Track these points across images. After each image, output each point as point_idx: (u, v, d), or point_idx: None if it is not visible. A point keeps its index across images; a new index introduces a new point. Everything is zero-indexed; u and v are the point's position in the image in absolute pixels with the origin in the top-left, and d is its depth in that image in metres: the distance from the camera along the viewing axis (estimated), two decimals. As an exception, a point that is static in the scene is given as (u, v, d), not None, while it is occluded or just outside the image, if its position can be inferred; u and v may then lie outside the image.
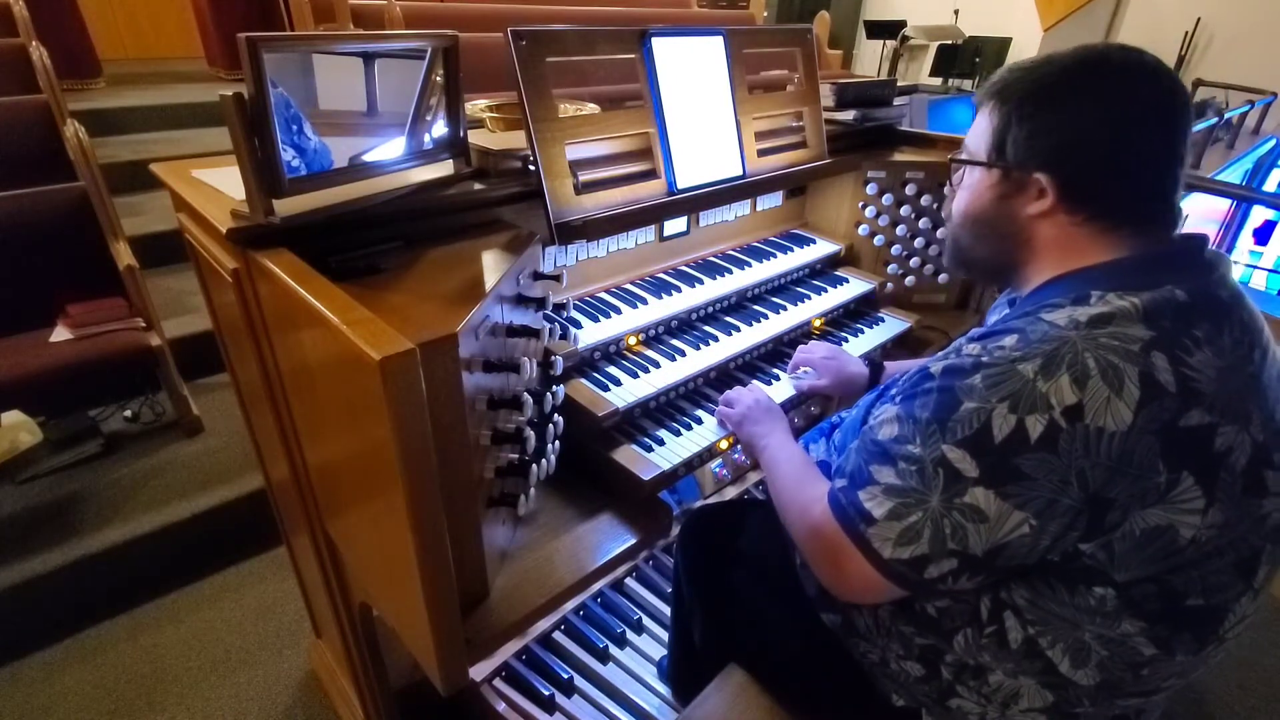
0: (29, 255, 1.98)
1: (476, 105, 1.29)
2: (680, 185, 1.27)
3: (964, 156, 0.86)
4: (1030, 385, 0.65)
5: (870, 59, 9.07)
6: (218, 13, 4.38)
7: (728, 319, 1.43)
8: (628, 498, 1.08)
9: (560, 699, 1.41)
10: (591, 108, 1.22)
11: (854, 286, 1.62)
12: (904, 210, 1.67)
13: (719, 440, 1.16)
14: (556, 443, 1.05)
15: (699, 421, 1.21)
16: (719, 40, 1.32)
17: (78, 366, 1.85)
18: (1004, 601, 0.75)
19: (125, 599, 1.82)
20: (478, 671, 1.44)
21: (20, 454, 2.07)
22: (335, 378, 0.73)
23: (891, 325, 1.59)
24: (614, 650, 1.54)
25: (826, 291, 1.58)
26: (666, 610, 1.59)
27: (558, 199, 1.09)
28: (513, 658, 1.48)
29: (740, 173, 1.38)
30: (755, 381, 1.32)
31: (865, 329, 1.56)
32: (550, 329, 1.03)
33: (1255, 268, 5.23)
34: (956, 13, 8.25)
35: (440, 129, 1.02)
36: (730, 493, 1.86)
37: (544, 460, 0.99)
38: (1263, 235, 5.54)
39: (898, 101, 1.85)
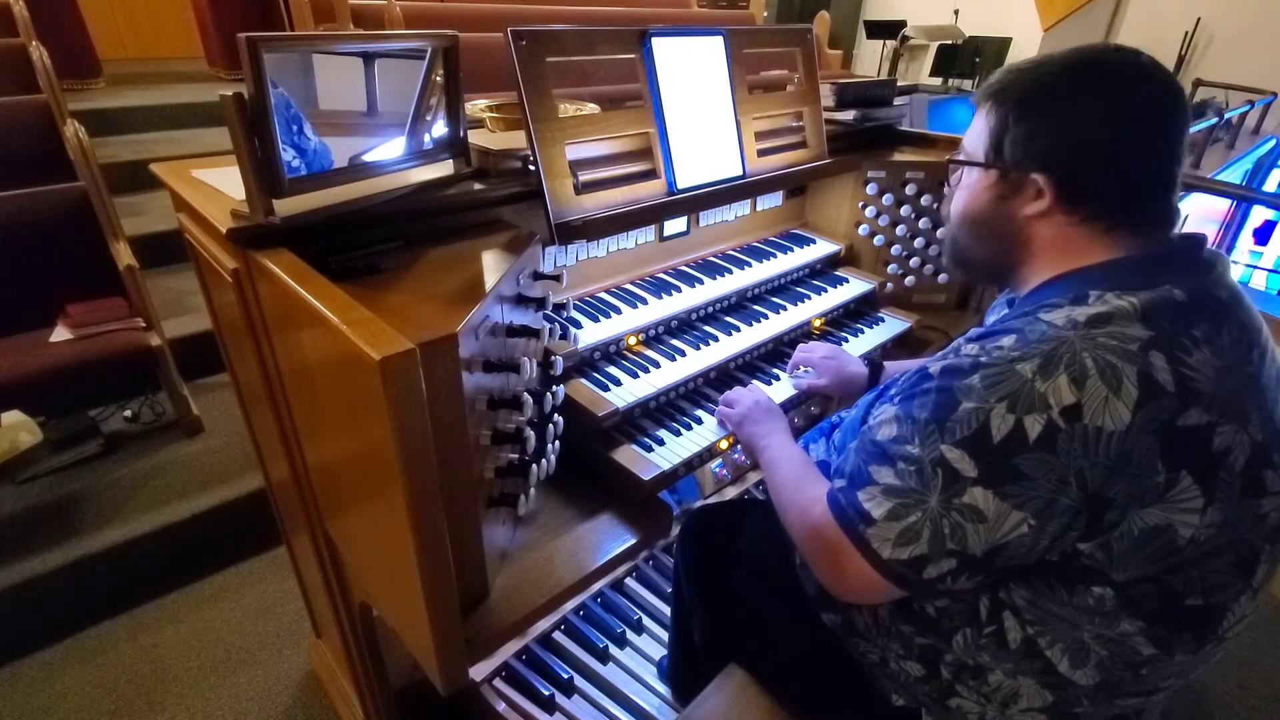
0: (29, 255, 1.98)
1: (476, 105, 1.29)
2: (680, 185, 1.27)
3: (962, 157, 0.86)
4: (1028, 385, 0.65)
5: (870, 59, 9.06)
6: (218, 13, 4.38)
7: (728, 319, 1.43)
8: (628, 498, 1.08)
9: (560, 699, 1.42)
10: (591, 108, 1.22)
11: (854, 286, 1.62)
12: (904, 210, 1.67)
13: (719, 440, 1.16)
14: (556, 443, 1.05)
15: (699, 421, 1.21)
16: (719, 40, 1.32)
17: (78, 366, 1.85)
18: (1003, 601, 0.75)
19: (125, 599, 1.82)
20: (478, 671, 1.44)
21: (20, 454, 2.07)
22: (335, 378, 0.74)
23: (891, 325, 1.59)
24: (614, 650, 1.54)
25: (826, 291, 1.58)
26: (666, 610, 1.59)
27: (558, 199, 1.09)
28: (513, 658, 1.48)
29: (740, 173, 1.38)
30: (755, 381, 1.33)
31: (865, 329, 1.56)
32: (550, 329, 1.03)
33: (1255, 268, 5.24)
34: (956, 13, 8.25)
35: (440, 129, 1.02)
36: (730, 493, 1.86)
37: (544, 460, 0.99)
38: (1263, 235, 5.55)
39: (898, 101, 1.85)
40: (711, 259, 1.55)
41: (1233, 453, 0.65)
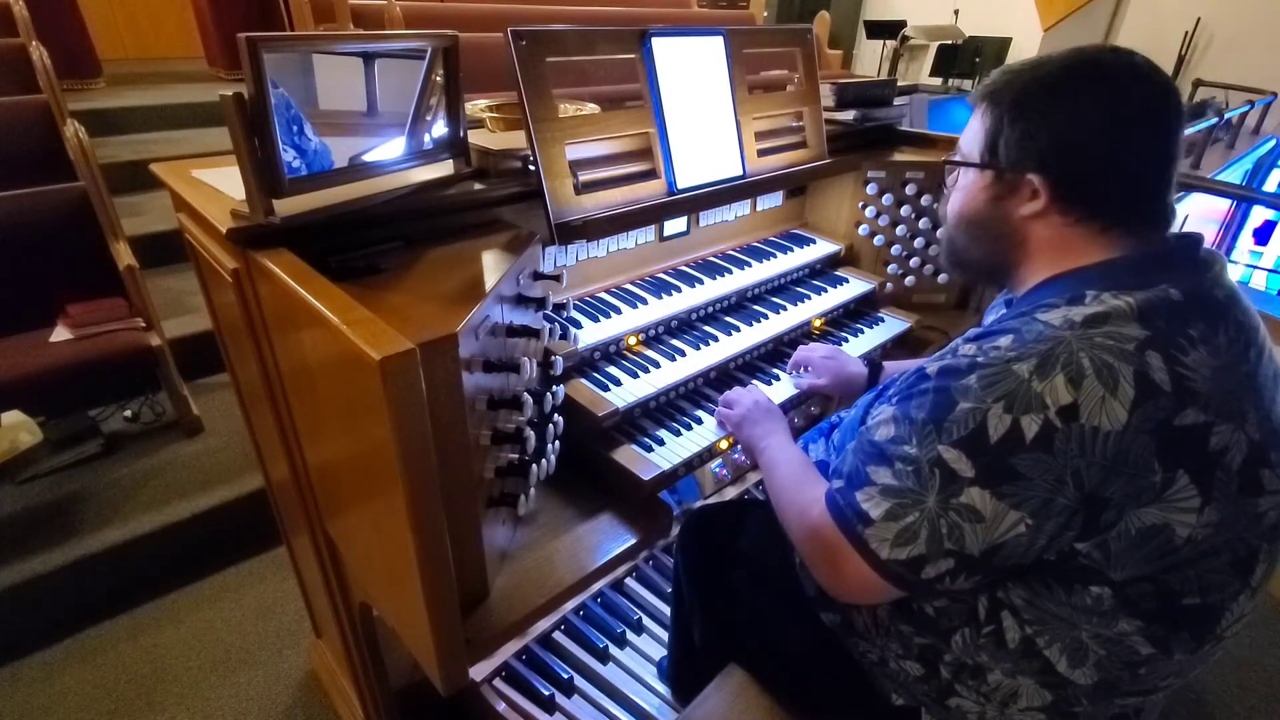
0: (29, 255, 1.98)
1: (476, 105, 1.29)
2: (680, 185, 1.27)
3: (958, 158, 0.86)
4: (1025, 385, 0.65)
5: (870, 59, 9.06)
6: (218, 13, 4.38)
7: (728, 319, 1.43)
8: (628, 498, 1.08)
9: (560, 699, 1.42)
10: (591, 108, 1.22)
11: (854, 286, 1.62)
12: (904, 210, 1.67)
13: (719, 440, 1.16)
14: (556, 443, 1.05)
15: (699, 421, 1.21)
16: (719, 40, 1.33)
17: (78, 366, 1.85)
18: (1001, 601, 0.75)
19: (125, 599, 1.82)
20: (478, 671, 1.44)
21: (20, 454, 2.07)
22: (335, 378, 0.74)
23: (891, 325, 1.59)
24: (614, 650, 1.54)
25: (826, 291, 1.58)
26: (666, 610, 1.59)
27: (558, 199, 1.09)
28: (513, 658, 1.48)
29: (740, 173, 1.38)
30: (755, 382, 1.33)
31: (865, 329, 1.56)
32: (550, 329, 1.03)
33: (1255, 268, 5.23)
34: (956, 13, 8.25)
35: (440, 129, 1.03)
36: (730, 493, 1.86)
37: (544, 460, 0.99)
38: (1263, 235, 5.54)
39: (898, 101, 1.85)
40: (711, 259, 1.55)
41: (1230, 452, 0.65)
